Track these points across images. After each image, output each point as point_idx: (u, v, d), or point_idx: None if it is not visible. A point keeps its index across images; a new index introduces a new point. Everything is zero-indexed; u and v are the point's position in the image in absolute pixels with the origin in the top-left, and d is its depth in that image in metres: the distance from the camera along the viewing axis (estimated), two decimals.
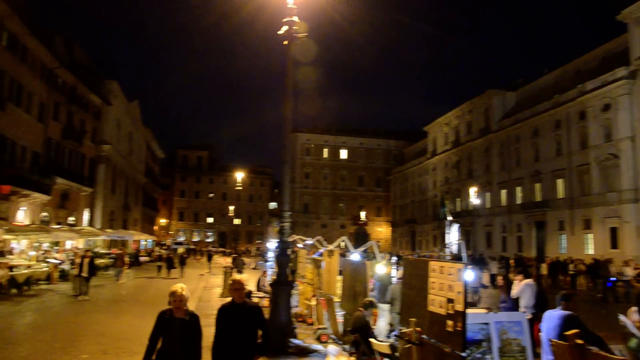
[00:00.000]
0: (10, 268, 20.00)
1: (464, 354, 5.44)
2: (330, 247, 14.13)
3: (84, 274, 19.42)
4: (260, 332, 5.57)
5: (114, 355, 9.92)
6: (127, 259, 29.58)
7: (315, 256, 15.65)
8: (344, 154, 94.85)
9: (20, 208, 33.92)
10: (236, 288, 5.67)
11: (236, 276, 5.87)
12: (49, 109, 38.00)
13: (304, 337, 11.58)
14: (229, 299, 5.79)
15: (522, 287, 10.54)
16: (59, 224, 38.17)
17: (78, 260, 20.40)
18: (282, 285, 11.16)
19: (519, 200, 54.49)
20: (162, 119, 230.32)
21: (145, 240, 62.21)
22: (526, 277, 10.99)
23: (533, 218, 51.52)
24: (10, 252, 27.48)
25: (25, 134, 34.35)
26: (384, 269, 12.24)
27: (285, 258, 11.66)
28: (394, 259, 20.49)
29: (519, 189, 54.80)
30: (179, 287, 5.49)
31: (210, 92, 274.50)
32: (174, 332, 5.22)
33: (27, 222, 33.56)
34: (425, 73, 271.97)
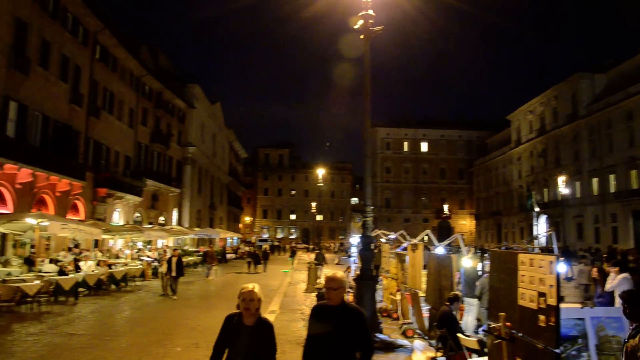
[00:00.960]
0: (109, 266, 21.27)
1: (557, 351, 5.21)
2: (414, 241, 13.98)
3: (173, 273, 19.25)
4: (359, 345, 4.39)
5: (205, 349, 10.31)
6: (216, 257, 30.53)
7: (398, 250, 15.56)
8: (424, 146, 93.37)
9: (116, 209, 36.03)
10: (333, 287, 4.41)
11: (336, 273, 4.54)
12: (138, 115, 40.10)
13: (389, 332, 11.54)
14: (313, 295, 5.62)
15: (619, 281, 9.99)
16: (150, 223, 40.22)
17: (166, 259, 20.33)
18: (367, 280, 11.14)
19: (612, 189, 51.44)
20: (243, 119, 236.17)
21: (231, 238, 64.21)
22: (623, 270, 10.40)
23: (630, 207, 48.46)
24: (109, 251, 29.29)
25: (118, 140, 36.46)
26: (470, 262, 11.98)
27: (369, 253, 11.62)
28: (479, 252, 20.02)
29: (612, 177, 51.67)
30: (250, 285, 4.41)
31: (289, 91, 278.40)
32: (242, 343, 4.25)
33: (122, 223, 35.60)
34: (507, 61, 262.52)
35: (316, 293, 11.72)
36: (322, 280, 21.62)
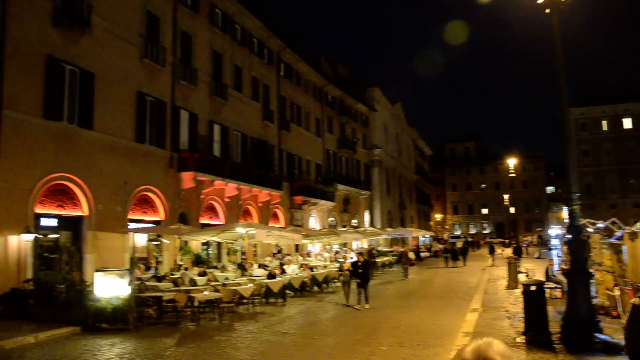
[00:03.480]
0: (311, 269, 22.52)
1: None
2: (633, 228, 12.49)
3: (358, 280, 16.89)
4: None
5: (410, 348, 10.39)
6: (412, 255, 30.48)
7: (612, 240, 14.07)
8: (627, 123, 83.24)
9: (311, 215, 38.09)
10: None
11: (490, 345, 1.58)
12: (323, 124, 42.07)
13: (610, 332, 10.35)
14: (516, 291, 5.24)
15: None
16: (344, 226, 41.77)
17: (347, 266, 17.99)
18: (580, 274, 10.14)
19: None
20: (425, 116, 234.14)
21: (423, 236, 63.88)
22: None
23: None
24: (308, 255, 31.04)
25: (307, 149, 38.63)
26: None
27: (579, 244, 10.53)
28: None
29: None
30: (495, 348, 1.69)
31: (468, 81, 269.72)
32: None
33: (318, 227, 37.51)
34: None
35: (522, 290, 11.04)
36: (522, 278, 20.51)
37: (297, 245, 32.02)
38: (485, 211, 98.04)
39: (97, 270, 13.61)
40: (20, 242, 15.99)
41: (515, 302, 15.32)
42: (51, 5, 17.66)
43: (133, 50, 21.61)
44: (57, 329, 11.81)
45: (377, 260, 31.58)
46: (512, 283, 19.81)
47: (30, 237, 16.17)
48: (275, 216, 33.15)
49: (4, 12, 16.07)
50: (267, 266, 22.43)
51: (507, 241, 61.52)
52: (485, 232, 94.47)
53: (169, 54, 23.58)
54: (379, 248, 42.31)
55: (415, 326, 12.91)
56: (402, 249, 32.36)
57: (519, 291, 16.83)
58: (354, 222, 46.87)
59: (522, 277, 19.14)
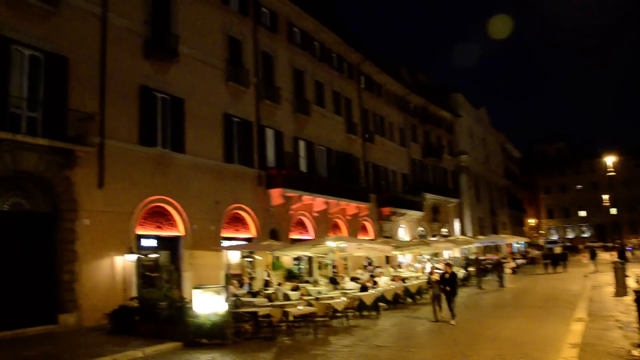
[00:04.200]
0: (403, 280, 22.20)
1: None
2: None
3: (445, 293, 15.55)
4: None
5: None
6: (511, 263, 29.12)
7: None
8: None
9: (400, 226, 37.68)
10: None
11: None
12: (407, 133, 41.72)
13: None
14: (626, 299, 4.77)
15: None
16: (434, 236, 40.99)
17: (435, 277, 16.61)
18: None
19: None
20: (508, 118, 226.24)
21: (517, 243, 61.42)
22: None
23: None
24: (399, 266, 30.66)
25: (392, 160, 38.42)
26: None
27: None
28: None
29: None
30: None
31: (546, 76, 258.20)
32: None
33: (407, 238, 37.04)
34: None
35: (634, 297, 10.27)
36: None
37: (387, 257, 31.75)
38: (582, 214, 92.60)
39: (195, 288, 14.11)
40: (125, 262, 17.02)
41: (626, 310, 14.31)
42: (142, 39, 18.84)
43: (218, 74, 22.48)
44: (161, 344, 12.32)
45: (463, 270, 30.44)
46: (621, 290, 18.51)
47: (134, 257, 17.19)
48: (364, 228, 33.08)
49: (103, 49, 17.34)
50: (358, 279, 22.36)
51: (610, 244, 57.79)
52: (584, 236, 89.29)
53: (251, 75, 24.33)
54: (471, 256, 41.03)
55: (516, 337, 12.34)
56: (498, 257, 31.12)
57: (629, 299, 15.73)
58: (444, 231, 45.90)
59: (631, 283, 17.85)
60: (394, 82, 40.30)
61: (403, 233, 38.23)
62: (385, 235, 34.00)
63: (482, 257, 41.60)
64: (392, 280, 21.74)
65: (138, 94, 18.51)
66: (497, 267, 27.91)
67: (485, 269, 27.91)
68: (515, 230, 71.20)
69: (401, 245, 29.56)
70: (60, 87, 15.90)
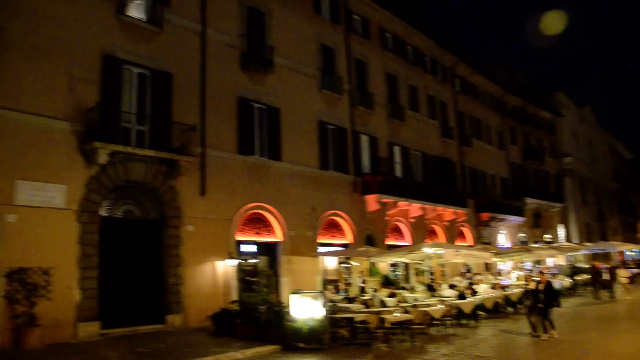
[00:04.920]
0: (503, 288, 21.40)
1: None
2: None
3: (540, 305, 14.32)
4: None
5: None
6: (625, 272, 26.88)
7: None
8: None
9: (500, 231, 36.37)
10: None
11: None
12: (505, 135, 40.28)
13: None
14: None
15: None
16: (535, 242, 39.13)
17: (532, 286, 15.01)
18: None
19: None
20: (621, 117, 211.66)
21: (631, 251, 57.18)
22: None
23: None
24: (499, 274, 29.58)
25: (490, 163, 37.24)
26: None
27: None
28: None
29: None
30: None
31: None
32: None
33: (508, 244, 35.67)
34: None
35: None
36: None
37: (486, 264, 30.76)
38: None
39: (292, 293, 14.38)
40: (226, 266, 17.72)
41: None
42: (239, 52, 19.62)
43: (312, 82, 22.91)
44: (260, 347, 12.66)
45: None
46: None
47: (234, 262, 17.86)
48: (461, 234, 32.25)
49: (203, 63, 18.27)
50: (456, 286, 21.82)
51: None
52: None
53: (345, 82, 24.56)
54: (577, 265, 38.72)
55: (630, 355, 11.51)
56: (611, 266, 28.96)
57: None
58: (547, 237, 43.71)
59: None
60: (490, 83, 39.08)
61: (503, 239, 36.85)
62: (484, 241, 32.95)
63: (603, 265, 39.03)
64: (492, 288, 21.02)
65: (236, 105, 19.27)
66: (609, 276, 26.03)
67: (601, 279, 25.57)
68: (627, 237, 66.34)
69: (501, 252, 28.55)
70: (165, 101, 16.91)
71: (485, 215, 33.69)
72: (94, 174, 14.72)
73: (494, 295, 19.54)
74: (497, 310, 19.22)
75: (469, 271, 28.86)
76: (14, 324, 12.58)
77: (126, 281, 15.40)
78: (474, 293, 19.37)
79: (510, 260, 31.60)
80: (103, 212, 15.24)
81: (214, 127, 18.22)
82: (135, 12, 16.61)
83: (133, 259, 15.80)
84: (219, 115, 18.52)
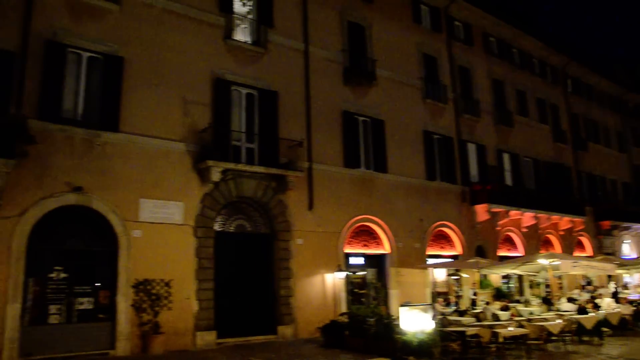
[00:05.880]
0: (631, 303, 19.85)
1: None
2: None
3: None
4: None
5: None
6: None
7: None
8: None
9: (624, 241, 33.77)
10: None
11: None
12: (627, 137, 37.56)
13: None
14: None
15: None
16: None
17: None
18: None
19: None
20: None
21: None
22: None
23: None
24: (625, 287, 27.45)
25: (610, 168, 34.85)
26: None
27: None
28: None
29: None
30: None
31: None
32: None
33: (634, 255, 33.06)
34: None
35: None
36: None
37: (609, 276, 28.65)
38: None
39: (401, 305, 14.26)
40: (334, 279, 17.95)
41: None
42: (341, 67, 19.97)
43: (415, 92, 22.73)
44: (369, 359, 12.68)
45: None
46: None
47: (343, 274, 18.05)
48: (579, 244, 30.33)
49: (307, 80, 18.84)
50: (576, 300, 20.53)
51: None
52: None
53: (449, 90, 24.13)
54: None
55: None
56: None
57: None
58: None
59: None
60: (608, 82, 36.59)
61: (628, 249, 34.17)
62: (605, 251, 30.72)
63: None
64: (618, 302, 19.55)
65: (340, 119, 19.57)
66: None
67: None
68: None
69: (626, 263, 26.50)
70: (272, 118, 17.55)
71: (606, 224, 31.43)
72: (208, 191, 15.58)
73: (619, 310, 18.17)
74: (625, 327, 17.83)
75: (589, 284, 27.06)
76: (141, 331, 13.61)
77: (239, 293, 16.09)
78: (596, 307, 18.14)
79: (637, 272, 29.25)
80: (217, 227, 16.07)
81: (320, 142, 18.62)
82: (241, 35, 17.49)
83: (245, 271, 16.46)
84: (324, 129, 18.90)
